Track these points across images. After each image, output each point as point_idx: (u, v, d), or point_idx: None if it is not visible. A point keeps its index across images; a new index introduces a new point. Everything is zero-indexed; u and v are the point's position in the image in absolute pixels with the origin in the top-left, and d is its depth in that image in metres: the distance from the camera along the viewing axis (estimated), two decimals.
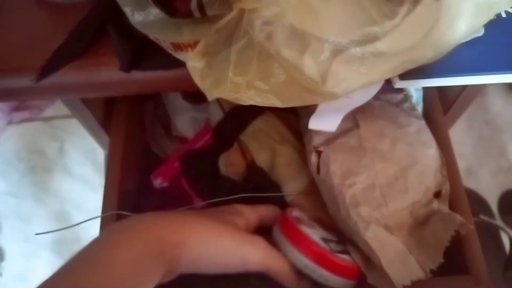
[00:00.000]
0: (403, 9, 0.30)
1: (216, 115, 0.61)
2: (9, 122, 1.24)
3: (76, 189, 1.20)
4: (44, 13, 0.47)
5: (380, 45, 0.31)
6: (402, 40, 0.31)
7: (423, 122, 0.55)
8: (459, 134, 1.17)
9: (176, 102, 0.67)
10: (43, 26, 0.47)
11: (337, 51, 0.31)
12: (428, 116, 0.59)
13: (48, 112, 1.26)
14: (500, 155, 1.14)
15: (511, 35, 0.40)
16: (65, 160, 1.24)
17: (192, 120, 0.68)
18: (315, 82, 0.33)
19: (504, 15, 0.42)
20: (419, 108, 0.59)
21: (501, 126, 1.16)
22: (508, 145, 1.14)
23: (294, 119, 0.59)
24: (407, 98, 0.58)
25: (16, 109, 1.24)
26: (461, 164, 1.12)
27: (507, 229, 1.04)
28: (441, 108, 0.60)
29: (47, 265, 1.11)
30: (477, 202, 1.13)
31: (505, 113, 1.17)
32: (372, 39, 0.30)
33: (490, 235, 1.05)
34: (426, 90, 0.60)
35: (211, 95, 0.35)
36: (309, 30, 0.31)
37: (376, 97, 0.55)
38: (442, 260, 0.48)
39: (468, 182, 1.13)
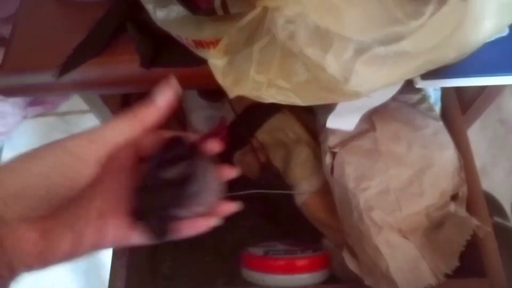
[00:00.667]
0: (429, 9, 0.29)
1: (231, 113, 0.61)
2: (24, 117, 1.25)
3: None
4: (64, 11, 0.48)
5: (404, 45, 0.30)
6: (427, 40, 0.30)
7: (440, 123, 0.54)
8: (472, 133, 1.15)
9: (192, 99, 0.67)
10: (63, 23, 0.47)
11: (361, 50, 0.31)
12: (446, 116, 0.59)
13: (63, 107, 1.26)
14: None
15: None
16: None
17: (207, 118, 0.69)
18: (337, 81, 0.33)
19: None
20: (437, 108, 0.59)
21: None
22: None
23: (311, 117, 0.59)
24: (424, 98, 0.57)
25: (31, 104, 1.25)
26: (476, 164, 1.11)
27: None
28: (459, 108, 0.59)
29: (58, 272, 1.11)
30: (490, 203, 1.11)
31: None
32: (397, 38, 0.30)
33: (503, 237, 1.04)
34: (444, 90, 0.59)
35: (232, 93, 0.35)
36: (333, 29, 0.31)
37: (393, 97, 0.54)
38: (457, 264, 0.48)
39: (482, 182, 1.12)
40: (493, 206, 1.12)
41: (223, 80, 0.35)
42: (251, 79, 0.34)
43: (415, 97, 0.57)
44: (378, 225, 0.47)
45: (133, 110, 0.31)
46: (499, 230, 1.04)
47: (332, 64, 0.32)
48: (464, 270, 0.50)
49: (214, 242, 0.67)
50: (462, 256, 0.49)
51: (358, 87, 0.33)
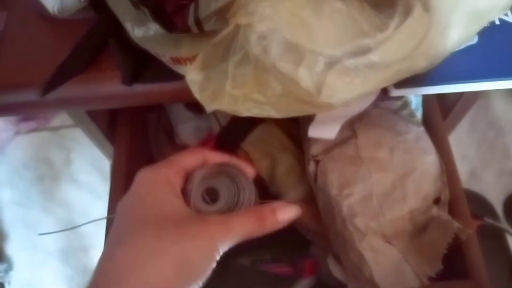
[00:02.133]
0: (394, 22, 0.30)
1: (217, 124, 0.62)
2: (17, 132, 1.26)
3: (83, 197, 1.21)
4: (48, 28, 0.49)
5: (373, 57, 0.31)
6: (394, 51, 0.31)
7: (422, 129, 0.56)
8: (462, 136, 1.17)
9: (179, 111, 0.68)
10: (47, 41, 0.48)
11: (331, 63, 0.32)
12: (427, 121, 0.60)
13: (55, 122, 1.27)
14: (504, 157, 1.14)
15: (504, 42, 0.41)
16: (72, 169, 1.26)
17: (195, 129, 0.69)
18: (310, 94, 0.34)
19: (497, 22, 0.42)
20: (419, 113, 0.60)
21: (505, 128, 1.16)
22: None
23: (294, 126, 0.60)
24: (406, 104, 0.58)
25: (24, 119, 1.26)
26: (465, 166, 1.13)
27: None
28: (440, 114, 0.60)
29: (56, 273, 1.12)
30: (481, 205, 1.12)
31: (508, 115, 1.17)
32: (365, 51, 0.31)
33: (495, 238, 1.05)
34: (425, 96, 0.60)
35: (209, 108, 0.36)
36: (303, 43, 0.32)
37: (375, 104, 0.56)
38: (441, 267, 0.49)
39: (473, 184, 1.13)
40: (484, 207, 1.13)
41: (200, 95, 0.36)
42: (227, 94, 0.35)
43: (397, 104, 0.58)
44: (361, 231, 0.48)
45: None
46: (491, 232, 1.05)
47: (304, 77, 0.33)
48: (449, 273, 0.51)
49: None
50: (447, 259, 0.50)
51: (330, 99, 0.34)
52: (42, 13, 0.47)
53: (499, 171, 1.13)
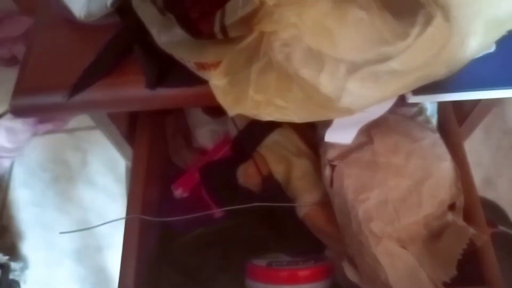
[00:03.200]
0: (415, 30, 0.31)
1: (234, 128, 0.63)
2: (34, 134, 1.28)
3: (98, 198, 1.23)
4: (74, 33, 0.50)
5: (393, 64, 0.32)
6: (415, 59, 0.32)
7: (437, 135, 0.56)
8: (477, 144, 1.16)
9: (196, 115, 0.70)
10: (74, 46, 0.50)
11: (352, 70, 0.33)
12: (443, 128, 0.60)
13: (72, 123, 1.30)
14: None
15: None
16: (88, 170, 1.27)
17: (212, 133, 0.71)
18: (331, 100, 0.35)
19: None
20: (434, 120, 0.60)
21: None
22: None
23: (311, 131, 0.61)
24: (422, 111, 0.59)
25: (41, 121, 1.28)
26: (480, 174, 1.12)
27: None
28: (456, 120, 0.60)
29: (70, 273, 1.13)
30: (496, 212, 1.12)
31: None
32: (386, 58, 0.32)
33: (509, 245, 1.04)
34: (440, 103, 0.61)
35: (232, 112, 0.37)
36: (325, 50, 0.33)
37: (391, 111, 0.56)
38: (455, 272, 0.49)
39: (487, 192, 1.12)
40: (498, 215, 1.12)
41: (224, 99, 0.37)
42: (250, 99, 0.36)
43: (413, 110, 0.59)
44: (377, 235, 0.49)
45: None
46: (505, 239, 1.04)
47: (325, 83, 0.34)
48: (464, 279, 0.51)
49: (221, 253, 0.69)
50: (463, 265, 0.51)
51: (350, 104, 0.35)
52: (69, 19, 0.49)
53: None
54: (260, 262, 0.56)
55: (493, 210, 1.12)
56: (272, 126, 0.61)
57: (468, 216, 0.54)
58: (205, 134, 0.70)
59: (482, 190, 1.12)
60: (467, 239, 0.48)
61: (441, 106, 0.61)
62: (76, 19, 0.48)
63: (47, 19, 0.52)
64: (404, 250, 0.49)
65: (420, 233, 0.51)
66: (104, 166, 1.25)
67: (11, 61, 1.21)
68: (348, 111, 0.36)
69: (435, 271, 0.50)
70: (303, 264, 0.56)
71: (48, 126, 1.30)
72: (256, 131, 0.61)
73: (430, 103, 0.60)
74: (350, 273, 0.50)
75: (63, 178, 1.26)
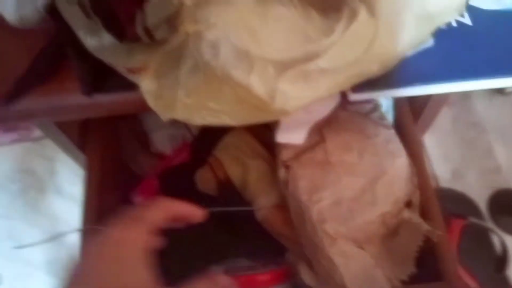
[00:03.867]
0: (340, 26, 0.30)
1: (188, 132, 0.61)
2: (1, 144, 1.25)
3: (67, 208, 1.20)
4: (8, 38, 0.48)
5: (321, 62, 0.31)
6: (342, 56, 0.31)
7: (392, 131, 0.55)
8: (444, 136, 1.17)
9: (152, 118, 0.68)
10: (8, 51, 0.47)
11: (281, 70, 0.32)
12: (399, 124, 0.60)
13: (37, 132, 1.26)
14: (486, 156, 1.14)
15: (461, 43, 0.41)
16: (56, 180, 1.25)
17: (169, 137, 0.69)
18: (264, 101, 0.33)
19: (455, 24, 0.42)
20: (390, 116, 0.60)
21: (486, 127, 1.17)
22: (494, 146, 1.15)
23: (266, 131, 0.60)
24: (376, 107, 0.58)
25: (6, 130, 1.25)
26: (448, 166, 1.13)
27: (497, 230, 1.03)
28: (412, 116, 0.60)
29: (43, 286, 1.11)
30: (466, 204, 1.13)
31: (489, 114, 1.18)
32: (313, 56, 0.31)
33: (480, 237, 1.05)
34: (396, 98, 0.60)
35: (164, 117, 0.35)
36: (252, 50, 0.32)
37: (344, 107, 0.55)
38: (413, 270, 0.49)
39: (456, 184, 1.13)
40: (468, 206, 1.13)
41: (155, 104, 0.36)
42: (180, 102, 0.34)
43: (367, 107, 0.58)
44: (331, 236, 0.48)
45: None
46: (476, 230, 1.05)
47: (256, 84, 0.33)
48: (425, 276, 0.50)
49: (181, 260, 0.67)
50: (422, 262, 0.50)
51: (284, 105, 0.34)
52: (2, 23, 0.46)
53: (482, 170, 1.14)
54: (216, 270, 0.55)
55: (462, 202, 1.13)
56: (225, 128, 0.60)
57: (425, 212, 0.53)
58: (163, 138, 0.69)
59: (450, 182, 1.13)
60: (421, 236, 0.48)
61: (397, 102, 0.61)
62: (9, 24, 0.46)
63: None
64: (360, 250, 0.48)
65: (377, 231, 0.51)
66: (73, 174, 1.22)
67: None
68: (284, 112, 0.35)
69: (393, 269, 0.50)
70: (262, 268, 0.55)
71: (13, 135, 1.27)
72: (210, 134, 0.60)
73: (385, 99, 0.60)
74: (306, 277, 0.49)
75: (31, 188, 1.23)
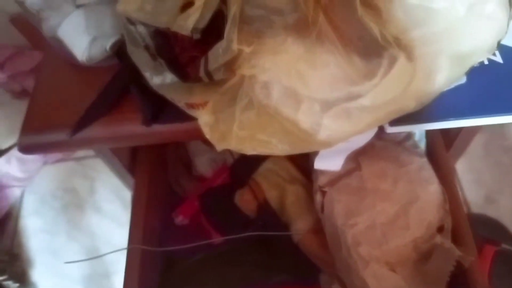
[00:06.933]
0: (381, 71, 0.34)
1: (230, 157, 0.66)
2: (45, 163, 1.32)
3: (106, 225, 1.25)
4: (76, 75, 0.54)
5: (363, 101, 0.35)
6: (383, 96, 0.35)
7: (424, 159, 0.58)
8: (477, 162, 1.17)
9: (196, 144, 0.73)
10: (76, 86, 0.53)
11: (326, 107, 0.36)
12: (431, 152, 0.62)
13: (80, 152, 1.34)
14: None
15: (492, 80, 0.44)
16: (96, 198, 1.30)
17: (210, 161, 0.74)
18: (309, 134, 0.37)
19: (486, 62, 0.46)
20: (422, 144, 0.63)
21: None
22: None
23: (304, 158, 0.63)
24: (410, 136, 0.61)
25: None
26: (481, 191, 1.13)
27: None
28: (444, 144, 0.62)
29: None
30: (498, 230, 1.12)
31: None
32: (355, 96, 0.35)
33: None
34: None
35: (219, 147, 0.40)
36: (300, 90, 0.36)
37: (379, 137, 0.59)
38: None
39: (489, 209, 1.12)
40: (501, 232, 1.12)
41: (211, 136, 0.40)
42: (235, 135, 0.38)
43: (401, 135, 0.61)
44: (365, 259, 0.50)
45: None
46: (508, 257, 1.04)
47: (303, 119, 0.37)
48: None
49: (220, 278, 0.71)
50: (454, 287, 0.52)
51: (327, 138, 0.37)
52: (71, 61, 0.52)
53: None
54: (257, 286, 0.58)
55: (495, 228, 1.13)
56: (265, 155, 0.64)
57: (457, 238, 0.55)
58: (204, 162, 0.73)
59: (483, 207, 1.13)
60: (453, 261, 0.50)
61: (429, 131, 0.64)
62: (78, 62, 0.52)
63: (53, 59, 0.55)
64: (392, 273, 0.51)
65: (410, 255, 0.53)
66: (112, 193, 1.28)
67: (22, 94, 1.27)
68: (327, 144, 0.38)
69: None
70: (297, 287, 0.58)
71: (58, 155, 1.34)
72: (251, 160, 0.64)
73: None
74: None
75: (72, 205, 1.29)
